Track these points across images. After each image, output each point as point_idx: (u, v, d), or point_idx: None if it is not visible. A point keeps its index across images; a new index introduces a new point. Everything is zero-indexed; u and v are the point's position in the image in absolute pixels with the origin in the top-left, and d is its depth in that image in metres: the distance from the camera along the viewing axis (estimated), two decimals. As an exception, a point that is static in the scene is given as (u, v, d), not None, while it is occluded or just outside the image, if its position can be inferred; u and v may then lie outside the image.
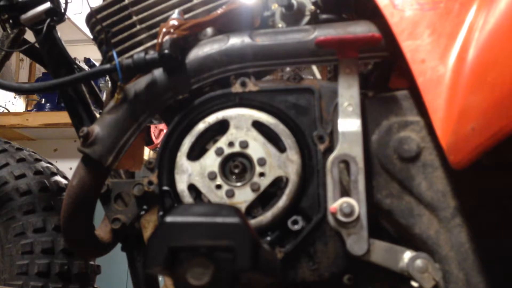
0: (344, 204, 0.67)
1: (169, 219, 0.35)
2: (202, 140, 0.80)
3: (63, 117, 2.72)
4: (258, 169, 0.76)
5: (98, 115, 1.08)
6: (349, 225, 0.67)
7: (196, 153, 0.80)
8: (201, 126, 0.80)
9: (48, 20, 1.11)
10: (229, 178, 0.77)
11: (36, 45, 1.17)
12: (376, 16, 0.77)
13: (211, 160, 0.77)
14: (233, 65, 0.81)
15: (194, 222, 0.35)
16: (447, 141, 0.61)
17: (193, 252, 0.35)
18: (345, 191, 0.69)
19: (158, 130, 2.62)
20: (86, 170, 0.83)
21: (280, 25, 0.92)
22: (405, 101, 0.74)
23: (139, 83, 0.82)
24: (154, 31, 0.87)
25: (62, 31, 1.18)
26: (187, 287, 0.35)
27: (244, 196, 0.75)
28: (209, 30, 0.86)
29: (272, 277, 0.52)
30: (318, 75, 1.22)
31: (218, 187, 0.76)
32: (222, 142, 0.78)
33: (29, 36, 1.21)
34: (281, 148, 0.77)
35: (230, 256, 0.35)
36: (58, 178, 1.34)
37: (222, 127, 0.79)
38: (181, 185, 0.78)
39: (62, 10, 1.15)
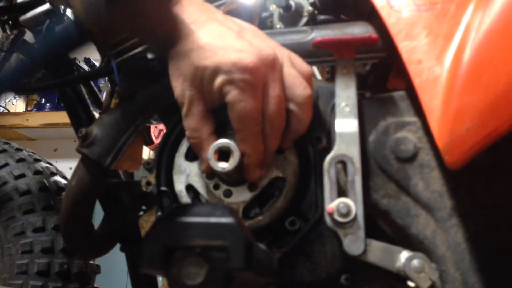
0: (341, 204, 0.67)
1: (163, 219, 0.36)
2: (200, 141, 0.80)
3: (63, 117, 2.73)
4: (255, 170, 0.76)
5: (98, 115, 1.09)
6: (346, 225, 0.67)
7: (194, 154, 0.80)
8: (199, 126, 0.80)
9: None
10: (227, 178, 0.77)
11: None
12: (374, 17, 0.77)
13: (209, 161, 0.77)
14: (231, 66, 0.81)
15: (189, 222, 0.35)
16: (443, 141, 0.62)
17: (188, 252, 0.35)
18: (342, 191, 0.70)
19: (158, 130, 2.63)
20: (85, 170, 0.83)
21: (278, 26, 0.92)
22: (402, 101, 0.74)
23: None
24: (152, 32, 0.87)
25: (61, 32, 1.18)
26: (182, 287, 0.35)
27: (241, 196, 0.75)
28: (207, 31, 0.86)
29: (268, 277, 0.52)
30: (319, 76, 1.22)
31: (216, 187, 0.76)
32: (220, 143, 0.78)
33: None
34: (278, 148, 0.77)
35: (224, 255, 0.35)
36: (57, 178, 1.35)
37: (220, 127, 0.79)
38: (179, 186, 0.78)
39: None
